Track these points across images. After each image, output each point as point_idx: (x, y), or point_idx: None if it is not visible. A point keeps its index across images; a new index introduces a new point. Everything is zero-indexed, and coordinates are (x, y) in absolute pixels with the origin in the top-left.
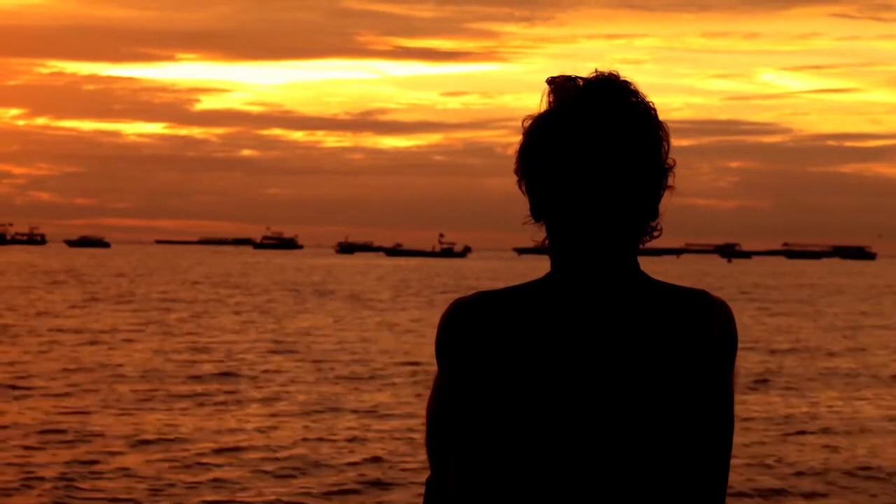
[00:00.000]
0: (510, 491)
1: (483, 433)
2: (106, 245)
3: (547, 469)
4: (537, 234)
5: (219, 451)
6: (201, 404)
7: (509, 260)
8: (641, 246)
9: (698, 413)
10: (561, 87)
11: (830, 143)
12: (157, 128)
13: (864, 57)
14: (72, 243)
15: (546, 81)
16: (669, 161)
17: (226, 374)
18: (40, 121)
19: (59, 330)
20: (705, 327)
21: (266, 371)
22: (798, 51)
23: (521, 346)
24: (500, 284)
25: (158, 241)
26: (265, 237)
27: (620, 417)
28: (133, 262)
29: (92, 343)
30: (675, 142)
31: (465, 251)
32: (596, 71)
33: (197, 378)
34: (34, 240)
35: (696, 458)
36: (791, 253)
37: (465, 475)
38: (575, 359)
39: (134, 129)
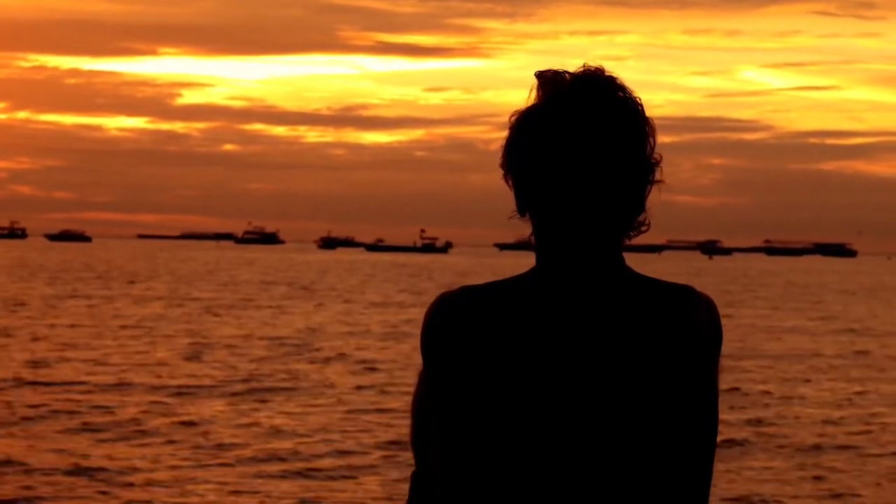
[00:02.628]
0: (495, 485)
1: (468, 428)
2: (87, 239)
3: (532, 463)
4: (523, 228)
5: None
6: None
7: (491, 256)
8: (629, 241)
9: (683, 408)
10: (549, 81)
11: (811, 140)
12: (138, 122)
13: (845, 54)
14: (52, 237)
15: (535, 75)
16: (656, 156)
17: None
18: (21, 114)
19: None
20: (690, 322)
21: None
22: (779, 48)
23: (506, 341)
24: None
25: (140, 236)
26: (247, 232)
27: (606, 412)
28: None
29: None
30: (657, 138)
31: (447, 247)
32: (584, 66)
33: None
34: (15, 233)
35: (680, 452)
36: (772, 250)
37: (450, 469)
38: (560, 353)
39: (115, 123)
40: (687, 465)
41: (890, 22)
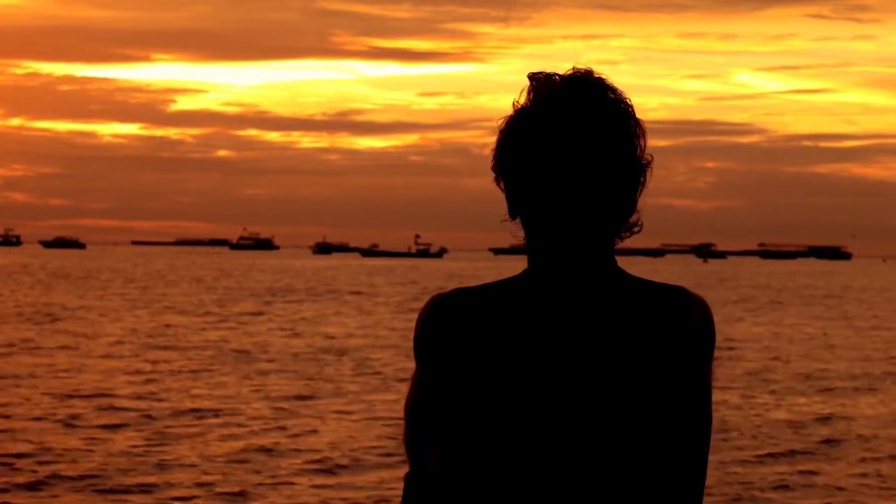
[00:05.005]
0: (488, 485)
1: (461, 428)
2: (81, 246)
3: (526, 464)
4: (516, 231)
5: None
6: None
7: (486, 260)
8: (621, 242)
9: (676, 407)
10: (540, 83)
11: (805, 143)
12: (132, 128)
13: (840, 57)
14: (47, 244)
15: (528, 76)
16: (647, 157)
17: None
18: (15, 121)
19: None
20: (683, 322)
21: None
22: (773, 51)
23: (498, 342)
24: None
25: (134, 242)
26: (242, 238)
27: (599, 413)
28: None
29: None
30: (651, 142)
31: (441, 252)
32: (573, 68)
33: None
34: (9, 241)
35: (673, 453)
36: (767, 253)
37: (444, 470)
38: (553, 354)
39: (109, 129)
40: (680, 465)
41: (884, 25)
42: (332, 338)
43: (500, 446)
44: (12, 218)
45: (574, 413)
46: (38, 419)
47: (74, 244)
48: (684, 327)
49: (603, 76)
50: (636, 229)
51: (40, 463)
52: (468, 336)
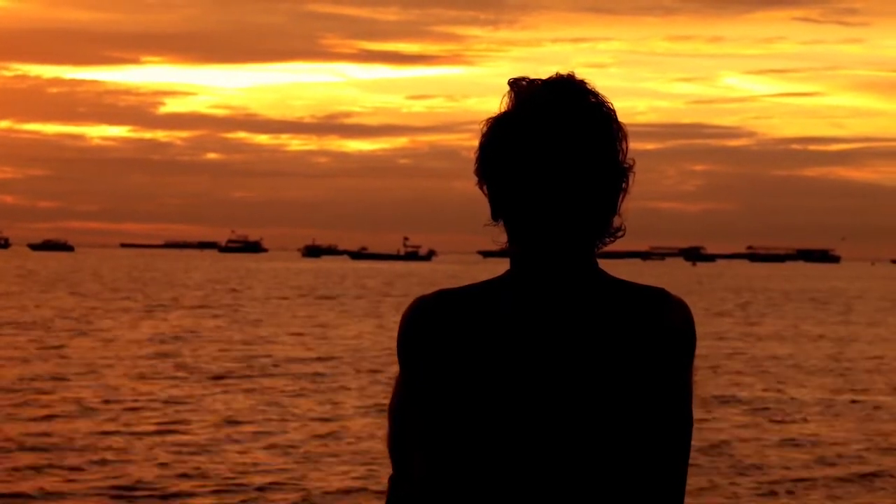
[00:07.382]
0: (471, 487)
1: (444, 430)
2: (70, 249)
3: (507, 465)
4: (499, 235)
5: None
6: None
7: (474, 263)
8: (604, 246)
9: (656, 408)
10: (521, 88)
11: (794, 146)
12: (121, 131)
13: (828, 61)
14: (35, 247)
15: (508, 82)
16: (629, 161)
17: None
18: (3, 124)
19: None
20: (663, 324)
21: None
22: (762, 55)
23: (480, 344)
24: None
25: (123, 245)
26: (230, 240)
27: (579, 413)
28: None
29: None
30: (640, 145)
31: (430, 254)
32: (556, 73)
33: None
34: None
35: (654, 454)
36: (755, 256)
37: (428, 472)
38: (534, 355)
39: (98, 132)
40: (660, 467)
41: (873, 28)
42: (348, 343)
43: (483, 448)
44: (1, 220)
45: (556, 414)
46: (58, 425)
47: (63, 247)
48: (664, 329)
49: (585, 80)
50: (620, 234)
51: (69, 469)
52: (451, 338)
